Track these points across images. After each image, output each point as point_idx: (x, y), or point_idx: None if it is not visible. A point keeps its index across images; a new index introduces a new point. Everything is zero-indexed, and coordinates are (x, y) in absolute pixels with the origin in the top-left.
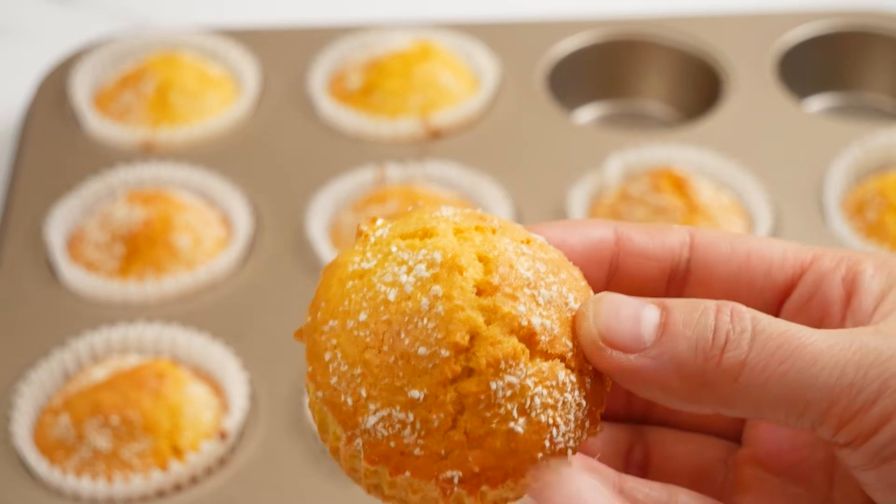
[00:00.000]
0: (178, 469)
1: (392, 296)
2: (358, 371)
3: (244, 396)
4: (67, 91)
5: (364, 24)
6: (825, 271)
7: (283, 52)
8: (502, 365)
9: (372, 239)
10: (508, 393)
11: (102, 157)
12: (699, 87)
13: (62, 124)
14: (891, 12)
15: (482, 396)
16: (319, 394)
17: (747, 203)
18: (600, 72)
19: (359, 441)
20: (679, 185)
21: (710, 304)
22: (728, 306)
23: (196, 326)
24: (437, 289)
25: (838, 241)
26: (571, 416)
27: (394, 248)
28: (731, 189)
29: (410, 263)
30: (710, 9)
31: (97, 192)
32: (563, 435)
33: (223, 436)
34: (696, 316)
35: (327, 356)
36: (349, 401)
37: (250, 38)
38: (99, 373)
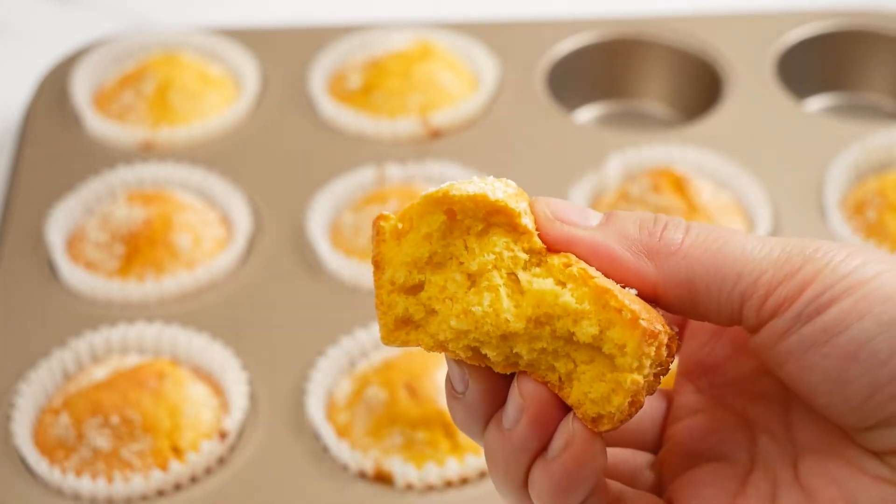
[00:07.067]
0: (178, 469)
1: None
2: None
3: (244, 396)
4: (67, 91)
5: (364, 24)
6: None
7: (283, 52)
8: None
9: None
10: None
11: (102, 157)
12: (699, 87)
13: (62, 124)
14: (891, 12)
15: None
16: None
17: (747, 203)
18: (600, 72)
19: None
20: (679, 185)
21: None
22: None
23: (196, 326)
24: None
25: (838, 241)
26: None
27: None
28: (731, 189)
29: None
30: (710, 9)
31: (97, 192)
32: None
33: (223, 436)
34: (635, 212)
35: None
36: None
37: (250, 38)
38: (99, 373)
